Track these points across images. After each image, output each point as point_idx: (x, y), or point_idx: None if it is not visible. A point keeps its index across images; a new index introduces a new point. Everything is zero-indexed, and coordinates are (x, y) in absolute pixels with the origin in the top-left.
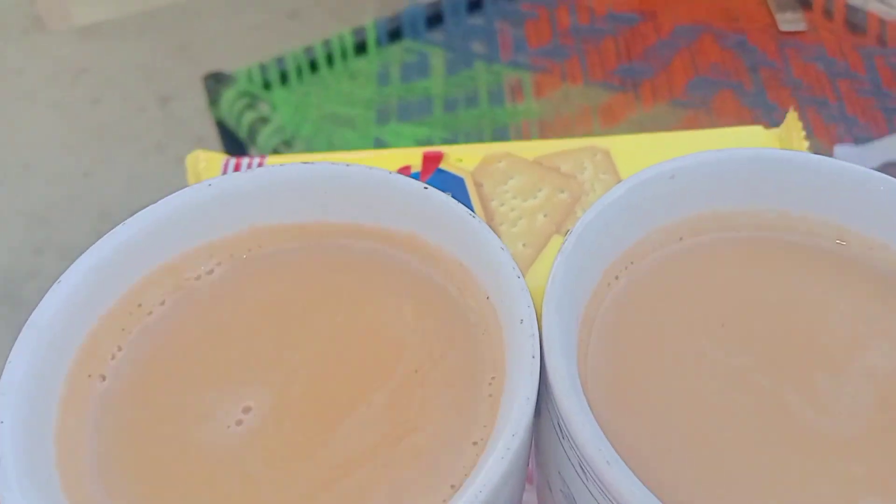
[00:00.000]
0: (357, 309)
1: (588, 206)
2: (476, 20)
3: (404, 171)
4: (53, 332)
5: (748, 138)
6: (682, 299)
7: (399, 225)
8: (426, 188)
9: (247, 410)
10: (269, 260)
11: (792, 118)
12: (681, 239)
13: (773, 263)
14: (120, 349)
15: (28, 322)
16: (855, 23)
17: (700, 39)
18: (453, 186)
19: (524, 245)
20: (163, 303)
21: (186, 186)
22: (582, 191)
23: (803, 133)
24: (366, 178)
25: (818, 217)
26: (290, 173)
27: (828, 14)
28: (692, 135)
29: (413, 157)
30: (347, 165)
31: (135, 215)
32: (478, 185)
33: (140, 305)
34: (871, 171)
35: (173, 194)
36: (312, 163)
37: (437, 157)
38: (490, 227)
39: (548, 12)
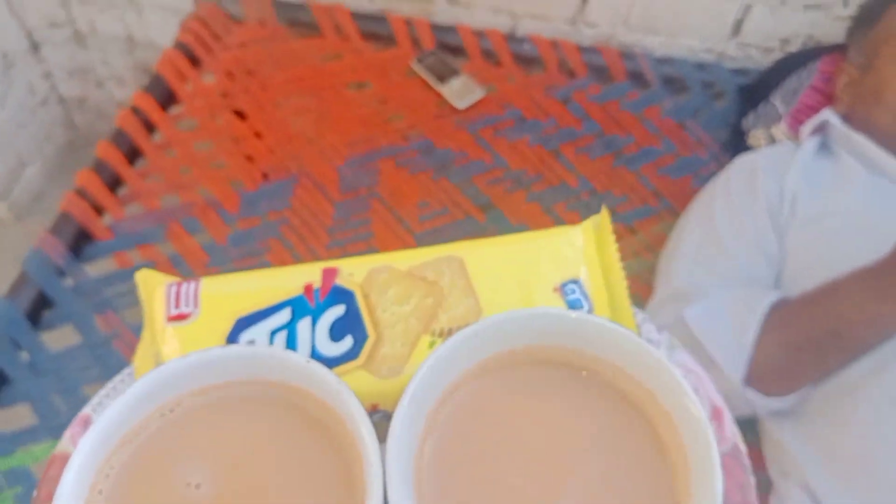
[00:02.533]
0: (270, 440)
1: (447, 308)
2: None
3: (308, 288)
4: (78, 469)
5: (568, 238)
6: (492, 417)
7: (294, 381)
8: (308, 362)
9: (198, 486)
10: (207, 405)
11: (604, 217)
12: (485, 373)
13: (547, 383)
14: (112, 469)
15: (67, 467)
16: (523, 55)
17: (380, 171)
18: (347, 299)
19: (401, 344)
20: (140, 434)
21: None
22: (442, 295)
23: (611, 228)
24: (265, 356)
25: (576, 348)
26: (212, 356)
27: (490, 56)
28: (524, 236)
29: (313, 273)
30: (253, 347)
31: (123, 392)
32: (365, 296)
33: (127, 439)
34: (607, 321)
35: (151, 371)
36: (229, 346)
37: (333, 273)
38: (377, 330)
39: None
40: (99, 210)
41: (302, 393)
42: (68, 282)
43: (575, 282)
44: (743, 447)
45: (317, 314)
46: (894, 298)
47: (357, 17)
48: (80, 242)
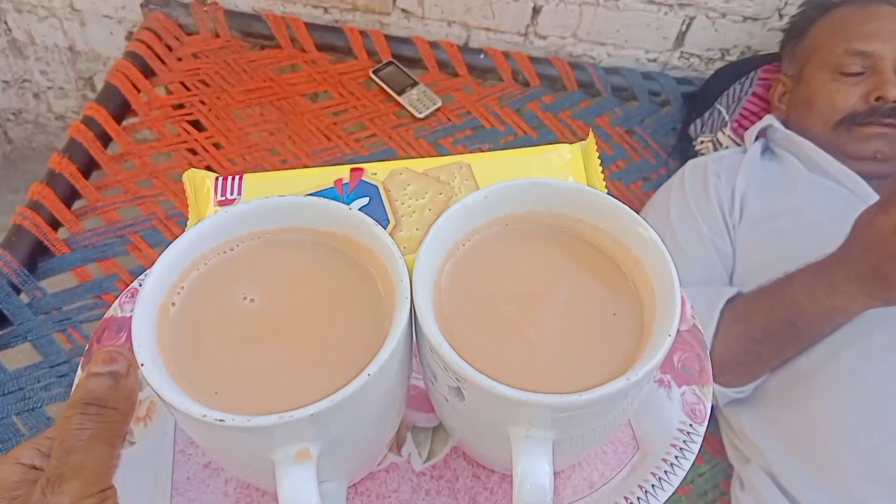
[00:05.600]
0: (316, 271)
1: (455, 203)
2: None
3: (339, 181)
4: (152, 288)
5: (559, 152)
6: (496, 258)
7: (337, 228)
8: (350, 209)
9: (252, 300)
10: (263, 245)
11: (591, 140)
12: (491, 227)
13: (541, 239)
14: (182, 288)
15: (141, 288)
16: (478, 66)
17: None
18: (371, 192)
19: (417, 229)
20: (206, 263)
21: None
22: (452, 192)
23: (596, 152)
24: (316, 204)
25: (564, 212)
26: (270, 203)
27: (446, 67)
28: (522, 150)
29: (343, 171)
30: (305, 197)
31: (190, 229)
32: (387, 190)
33: (190, 269)
34: (583, 186)
35: (219, 212)
36: (283, 196)
37: (360, 172)
38: (396, 217)
39: None
40: (54, 224)
41: (343, 237)
42: (24, 298)
43: None
44: (701, 328)
45: (345, 203)
46: (845, 290)
47: (312, 28)
48: (36, 258)
